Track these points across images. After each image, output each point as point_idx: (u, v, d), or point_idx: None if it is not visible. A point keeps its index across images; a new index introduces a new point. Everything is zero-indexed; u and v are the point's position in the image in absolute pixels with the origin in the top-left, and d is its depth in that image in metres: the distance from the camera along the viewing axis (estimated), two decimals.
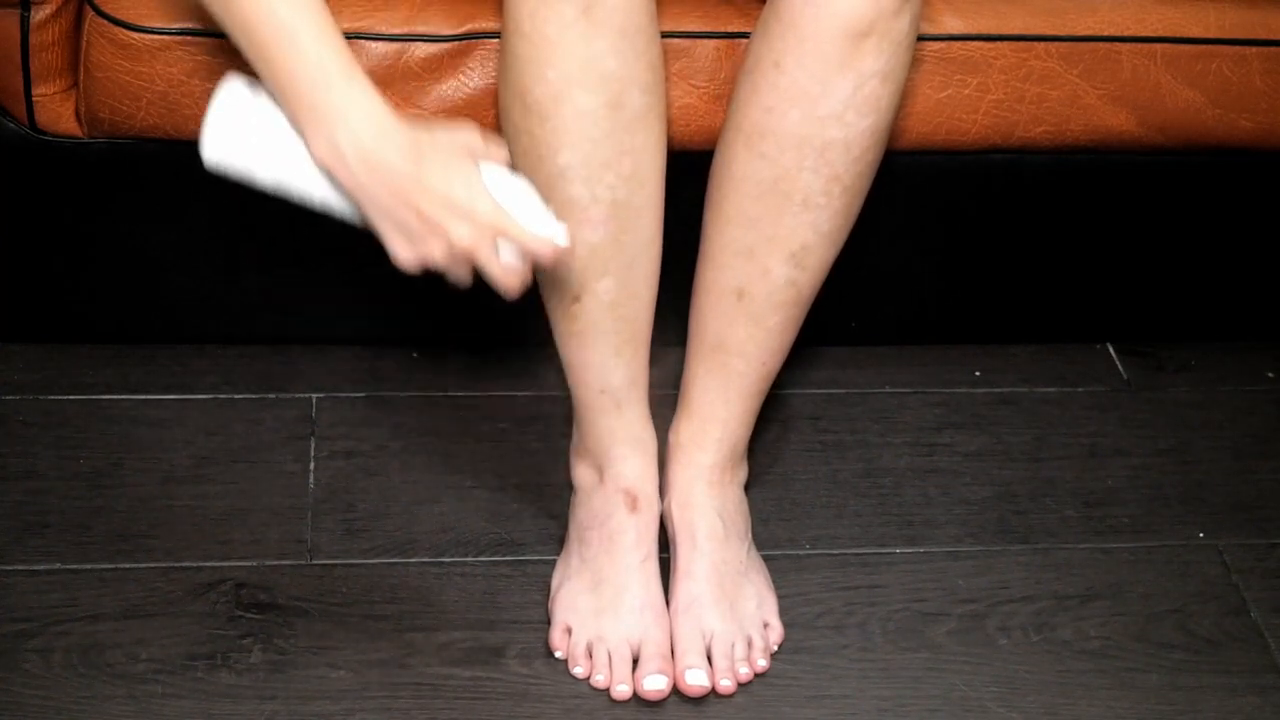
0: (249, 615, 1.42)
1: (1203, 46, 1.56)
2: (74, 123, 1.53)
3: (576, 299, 1.37)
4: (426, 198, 1.20)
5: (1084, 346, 1.79)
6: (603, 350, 1.39)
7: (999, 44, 1.54)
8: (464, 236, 1.21)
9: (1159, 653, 1.46)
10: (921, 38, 1.52)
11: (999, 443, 1.66)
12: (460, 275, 1.24)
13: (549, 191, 1.31)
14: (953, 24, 1.53)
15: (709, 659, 1.40)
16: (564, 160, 1.30)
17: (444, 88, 1.50)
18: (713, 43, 1.51)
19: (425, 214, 1.20)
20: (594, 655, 1.40)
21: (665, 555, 1.47)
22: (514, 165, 1.33)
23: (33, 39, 1.48)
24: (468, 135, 1.25)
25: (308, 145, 1.21)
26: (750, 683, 1.40)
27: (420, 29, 1.49)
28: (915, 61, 1.53)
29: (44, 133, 1.53)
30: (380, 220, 1.22)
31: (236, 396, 1.64)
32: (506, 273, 1.23)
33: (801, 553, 1.53)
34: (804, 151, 1.32)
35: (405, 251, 1.22)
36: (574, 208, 1.32)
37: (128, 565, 1.46)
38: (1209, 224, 1.70)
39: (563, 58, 1.27)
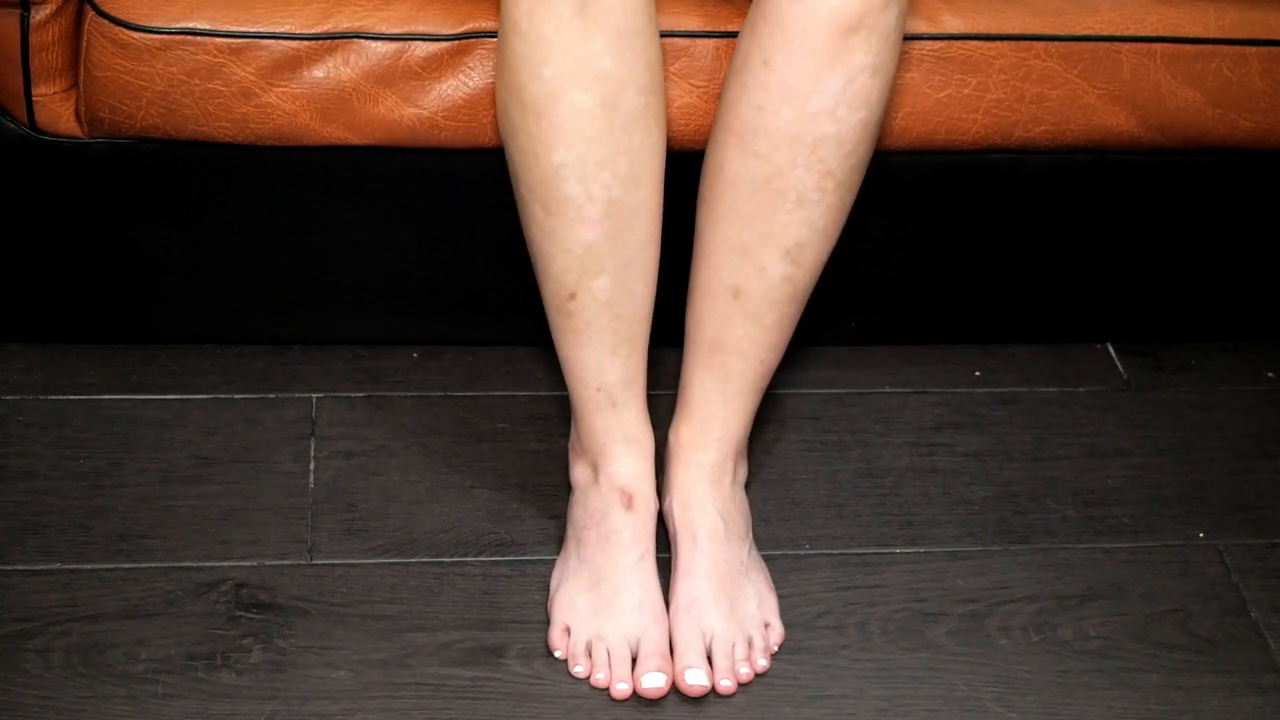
0: (249, 615, 1.42)
1: (1203, 46, 1.56)
2: (74, 123, 1.53)
3: (572, 296, 1.37)
4: None
5: (1084, 346, 1.79)
6: (599, 348, 1.39)
7: (998, 44, 1.54)
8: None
9: (1159, 653, 1.46)
10: (921, 37, 1.52)
11: (999, 443, 1.66)
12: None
13: (545, 189, 1.32)
14: (952, 24, 1.53)
15: (709, 659, 1.40)
16: (559, 158, 1.31)
17: (444, 87, 1.50)
18: (712, 42, 1.51)
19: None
20: (593, 654, 1.40)
21: (666, 555, 1.47)
22: (511, 162, 1.33)
23: (33, 39, 1.48)
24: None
25: None
26: (750, 683, 1.40)
27: (420, 28, 1.49)
28: (915, 61, 1.53)
29: (44, 133, 1.53)
30: None
31: (236, 396, 1.63)
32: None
33: (801, 553, 1.53)
34: (796, 149, 1.32)
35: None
36: (569, 205, 1.32)
37: (128, 565, 1.46)
38: (1209, 224, 1.70)
39: (559, 56, 1.27)
